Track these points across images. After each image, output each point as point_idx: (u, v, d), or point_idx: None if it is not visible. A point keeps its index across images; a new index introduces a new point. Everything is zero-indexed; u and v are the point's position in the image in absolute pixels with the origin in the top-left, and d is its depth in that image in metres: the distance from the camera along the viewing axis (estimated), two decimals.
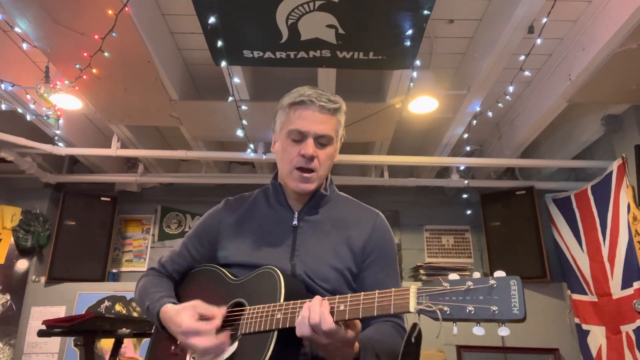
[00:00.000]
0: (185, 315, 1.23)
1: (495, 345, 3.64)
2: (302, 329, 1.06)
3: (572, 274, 3.79)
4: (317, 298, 1.09)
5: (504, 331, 0.91)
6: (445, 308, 0.94)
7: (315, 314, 1.05)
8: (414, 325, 1.06)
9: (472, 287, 0.94)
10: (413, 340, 1.06)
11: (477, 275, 0.97)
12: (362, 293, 1.06)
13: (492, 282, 0.93)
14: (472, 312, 0.92)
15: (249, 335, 1.18)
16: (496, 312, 0.90)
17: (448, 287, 0.96)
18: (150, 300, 1.36)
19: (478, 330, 0.93)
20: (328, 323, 1.03)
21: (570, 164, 3.77)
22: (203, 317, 1.22)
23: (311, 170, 1.32)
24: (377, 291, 1.04)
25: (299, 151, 1.32)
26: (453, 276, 0.98)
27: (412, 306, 0.97)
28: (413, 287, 1.00)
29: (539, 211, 3.98)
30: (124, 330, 2.34)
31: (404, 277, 4.23)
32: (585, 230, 3.68)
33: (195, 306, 1.25)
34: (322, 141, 1.33)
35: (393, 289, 1.02)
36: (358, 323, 1.11)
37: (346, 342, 1.07)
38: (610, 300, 3.37)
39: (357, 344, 1.13)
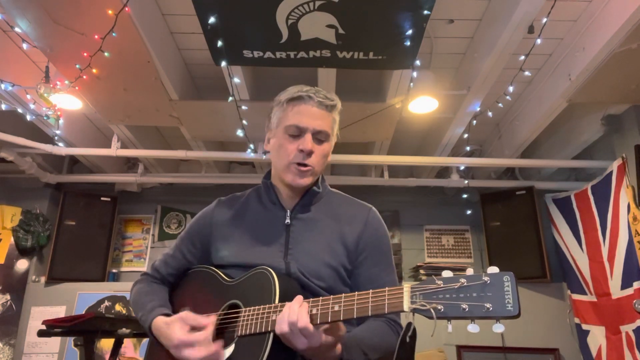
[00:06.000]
0: (175, 329, 1.22)
1: (495, 345, 3.64)
2: (280, 326, 1.07)
3: (572, 274, 3.79)
4: (298, 298, 1.10)
5: (499, 328, 0.90)
6: (439, 306, 0.94)
7: (293, 312, 1.06)
8: (409, 324, 1.06)
9: (465, 284, 0.94)
10: (408, 339, 1.06)
11: (470, 271, 0.96)
12: (356, 293, 1.06)
13: (485, 278, 0.92)
14: (466, 309, 0.91)
15: (246, 337, 1.18)
16: (490, 309, 0.89)
17: (441, 285, 0.96)
18: (142, 311, 1.34)
19: (473, 328, 0.93)
20: (304, 321, 1.04)
21: (570, 164, 3.77)
22: (194, 328, 1.21)
23: (307, 165, 1.32)
24: (370, 291, 1.04)
25: (297, 146, 1.31)
26: (446, 273, 0.98)
27: (406, 305, 0.97)
28: (407, 286, 1.00)
29: (539, 211, 3.98)
30: (124, 330, 2.33)
31: (404, 277, 4.22)
32: (585, 230, 3.67)
33: (183, 318, 1.23)
34: (319, 137, 1.33)
35: (387, 289, 1.02)
36: (342, 326, 1.11)
37: (326, 345, 1.07)
38: (609, 300, 3.37)
39: (339, 346, 1.12)
